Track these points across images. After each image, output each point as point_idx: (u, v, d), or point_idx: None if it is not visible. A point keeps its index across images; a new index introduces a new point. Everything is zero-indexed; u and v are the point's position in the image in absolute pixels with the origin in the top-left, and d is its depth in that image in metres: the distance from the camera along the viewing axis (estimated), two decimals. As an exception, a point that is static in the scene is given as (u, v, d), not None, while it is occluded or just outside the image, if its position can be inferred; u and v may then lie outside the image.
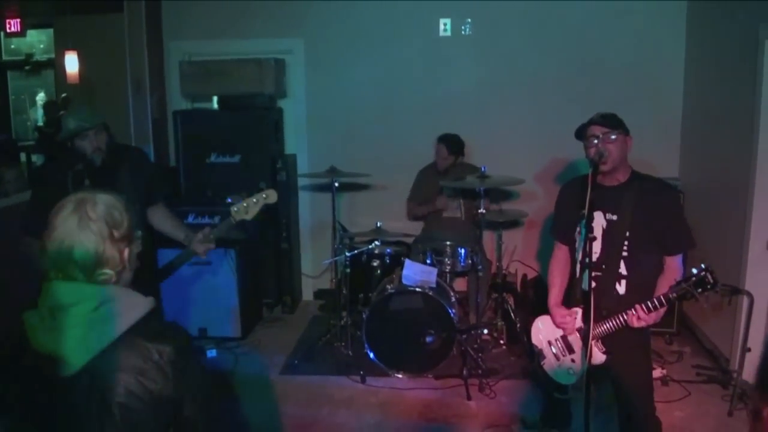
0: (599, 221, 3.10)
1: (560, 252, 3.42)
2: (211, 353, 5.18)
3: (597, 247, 3.08)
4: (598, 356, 3.13)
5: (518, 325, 5.20)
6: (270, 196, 3.10)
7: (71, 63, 6.22)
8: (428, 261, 5.01)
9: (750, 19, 4.41)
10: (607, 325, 3.08)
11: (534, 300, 5.67)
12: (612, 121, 3.08)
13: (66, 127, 3.31)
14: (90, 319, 1.61)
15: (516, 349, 5.09)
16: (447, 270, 5.07)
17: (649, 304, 2.94)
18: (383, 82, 6.20)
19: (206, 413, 1.73)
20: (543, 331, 3.43)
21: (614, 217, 3.09)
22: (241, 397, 4.54)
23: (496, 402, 4.42)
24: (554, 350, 3.37)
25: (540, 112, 6.04)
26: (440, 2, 6.02)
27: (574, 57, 5.94)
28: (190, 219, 5.50)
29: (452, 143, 5.54)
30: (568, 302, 3.32)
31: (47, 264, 1.67)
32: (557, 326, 3.34)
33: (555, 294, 3.36)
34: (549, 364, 3.41)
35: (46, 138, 7.24)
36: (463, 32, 6.03)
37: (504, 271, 5.58)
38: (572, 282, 3.32)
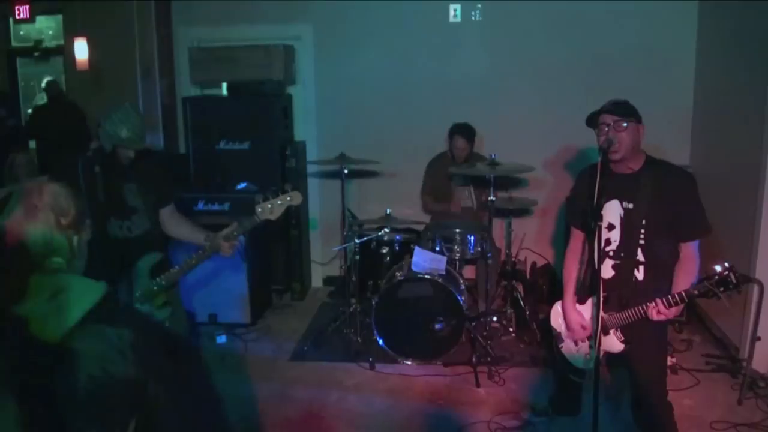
0: (616, 210, 3.10)
1: (576, 242, 3.41)
2: (221, 339, 5.21)
3: (616, 235, 3.09)
4: (617, 345, 3.15)
5: (527, 313, 5.20)
6: (294, 198, 3.16)
7: (80, 50, 6.24)
8: (437, 248, 5.01)
9: (763, 7, 4.36)
10: (627, 315, 3.08)
11: (543, 288, 5.67)
12: (624, 109, 3.06)
13: (117, 134, 3.18)
14: (46, 309, 1.60)
15: (525, 336, 5.10)
16: (456, 257, 5.07)
17: (670, 299, 2.93)
18: (393, 68, 6.18)
19: (172, 392, 1.72)
20: (563, 314, 3.45)
21: (630, 206, 3.08)
22: (251, 382, 4.57)
23: (505, 389, 4.43)
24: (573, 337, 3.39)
25: (550, 98, 6.01)
26: (450, -13, 5.99)
27: (584, 44, 5.91)
28: (200, 206, 5.51)
29: (469, 133, 5.51)
30: (583, 290, 3.34)
31: None
32: (569, 327, 3.36)
33: (569, 293, 3.37)
34: (568, 347, 3.43)
35: (42, 120, 7.21)
36: (473, 18, 6.00)
37: (513, 259, 5.57)
38: (589, 270, 3.31)
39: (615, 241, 3.07)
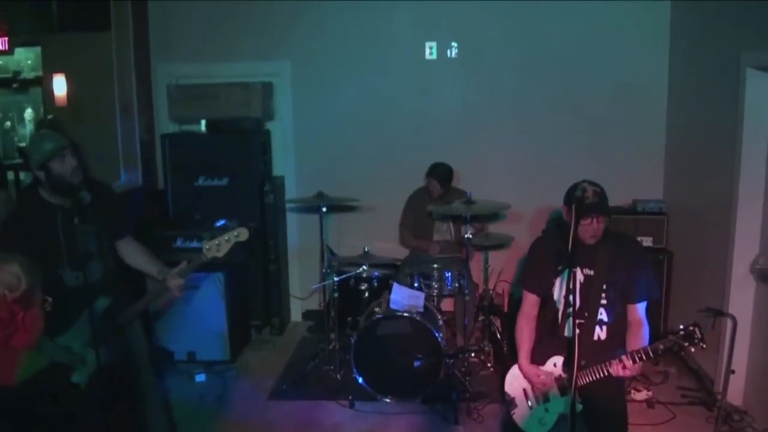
0: (577, 276, 3.18)
1: (531, 307, 3.47)
2: (200, 377, 5.18)
3: (577, 298, 3.16)
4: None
5: (505, 349, 5.23)
6: (241, 234, 3.17)
7: (59, 85, 6.24)
8: (416, 284, 5.05)
9: (732, 45, 4.49)
10: (589, 375, 3.15)
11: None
12: (607, 207, 3.18)
13: (42, 150, 3.17)
14: None
15: (503, 371, 5.11)
16: (434, 294, 5.11)
17: (635, 355, 2.99)
18: (370, 104, 6.25)
19: None
20: (520, 379, 3.47)
21: (591, 272, 3.23)
22: (229, 424, 4.55)
23: (484, 426, 4.44)
24: (530, 400, 3.42)
25: (525, 133, 6.12)
26: (426, 25, 6.08)
27: (558, 80, 6.01)
28: (179, 243, 5.51)
29: (442, 176, 5.56)
30: (544, 352, 3.38)
31: None
32: (532, 384, 3.39)
33: (525, 353, 3.41)
34: (519, 414, 3.45)
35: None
36: (449, 55, 6.09)
37: (491, 292, 5.62)
38: (549, 331, 3.39)
39: (577, 302, 3.14)
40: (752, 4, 4.21)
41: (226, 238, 3.16)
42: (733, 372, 4.34)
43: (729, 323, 4.38)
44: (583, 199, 3.05)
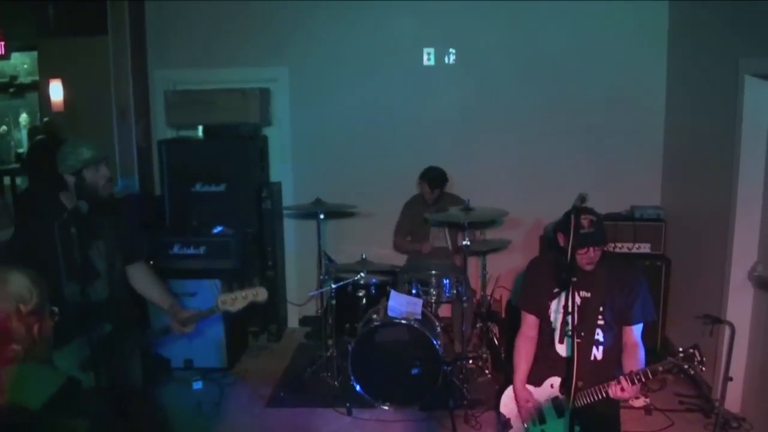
0: (574, 298, 3.17)
1: (529, 328, 3.43)
2: (197, 385, 5.17)
3: (574, 318, 3.14)
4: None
5: (503, 355, 5.23)
6: (260, 294, 3.10)
7: (56, 91, 6.22)
8: (414, 291, 5.04)
9: (730, 52, 4.49)
10: (586, 397, 3.12)
11: (518, 326, 5.69)
12: (604, 238, 3.16)
13: (81, 155, 3.17)
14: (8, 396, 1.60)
15: (501, 378, 5.11)
16: (432, 300, 5.10)
17: (634, 376, 2.97)
18: (368, 110, 6.25)
19: None
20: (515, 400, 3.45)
21: (588, 294, 3.20)
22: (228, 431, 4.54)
23: (482, 433, 4.44)
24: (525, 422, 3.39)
25: (523, 139, 6.12)
26: (424, 31, 6.09)
27: (556, 85, 6.02)
28: (176, 249, 5.49)
29: (433, 180, 5.57)
30: (540, 373, 3.36)
31: None
32: (519, 408, 3.37)
33: (521, 376, 3.38)
34: None
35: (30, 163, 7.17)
36: (446, 61, 6.10)
37: (489, 299, 5.61)
38: (545, 351, 3.36)
39: (574, 322, 3.13)
40: (751, 11, 4.22)
41: (244, 294, 3.09)
42: (731, 379, 4.35)
43: (727, 330, 4.38)
44: (579, 229, 3.00)
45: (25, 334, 1.72)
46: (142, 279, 3.49)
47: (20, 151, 8.42)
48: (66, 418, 1.64)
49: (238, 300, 3.09)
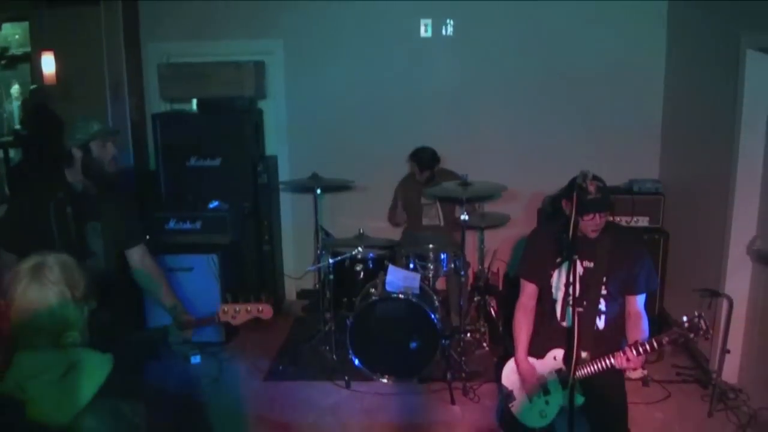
0: (577, 268, 3.15)
1: (528, 298, 3.44)
2: (195, 359, 5.16)
3: (577, 288, 3.14)
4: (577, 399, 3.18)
5: (500, 328, 5.24)
6: (265, 312, 2.95)
7: (48, 63, 6.13)
8: (411, 265, 5.03)
9: (731, 26, 4.44)
10: (592, 368, 3.13)
11: (516, 299, 5.70)
12: (610, 204, 3.18)
13: (89, 128, 3.12)
14: (60, 387, 1.58)
15: (498, 350, 5.14)
16: (430, 275, 5.09)
17: (640, 348, 2.98)
18: (364, 82, 6.18)
19: None
20: (517, 372, 3.44)
21: (591, 264, 3.22)
22: (226, 405, 4.54)
23: (480, 405, 4.46)
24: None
25: (522, 112, 6.07)
26: (421, 2, 5.99)
27: (555, 58, 5.95)
28: (171, 224, 5.45)
29: (421, 160, 5.53)
30: (543, 344, 3.36)
31: (15, 334, 1.64)
32: (524, 382, 3.37)
33: (523, 348, 3.38)
34: (517, 406, 3.42)
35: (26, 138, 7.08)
36: (444, 33, 6.02)
37: (486, 272, 5.60)
38: (547, 321, 3.37)
39: (576, 292, 3.12)
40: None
41: (248, 308, 2.93)
42: (728, 351, 4.39)
43: (725, 303, 4.41)
44: (585, 195, 2.98)
45: (81, 320, 1.70)
46: (141, 267, 3.41)
47: (16, 127, 8.30)
48: (122, 401, 1.62)
49: (241, 313, 2.94)
